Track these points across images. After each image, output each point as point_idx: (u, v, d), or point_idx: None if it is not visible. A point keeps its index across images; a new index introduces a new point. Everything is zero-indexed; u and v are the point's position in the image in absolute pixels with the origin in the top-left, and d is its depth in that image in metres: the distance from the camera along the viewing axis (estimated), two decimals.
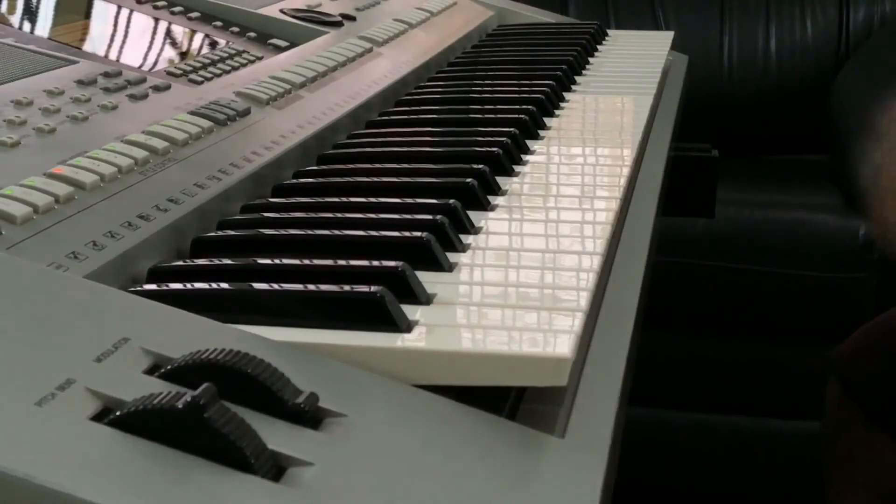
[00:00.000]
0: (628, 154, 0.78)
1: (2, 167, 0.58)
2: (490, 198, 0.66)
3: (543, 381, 0.44)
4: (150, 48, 0.94)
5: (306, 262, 0.53)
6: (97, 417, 0.37)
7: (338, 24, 1.06)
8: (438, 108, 0.90)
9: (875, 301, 1.71)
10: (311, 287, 0.49)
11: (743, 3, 2.16)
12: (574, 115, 0.90)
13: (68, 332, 0.42)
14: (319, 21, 1.06)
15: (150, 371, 0.41)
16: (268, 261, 0.54)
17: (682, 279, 1.76)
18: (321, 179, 0.71)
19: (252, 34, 0.98)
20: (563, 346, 0.44)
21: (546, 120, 0.87)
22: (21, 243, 0.50)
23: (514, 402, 0.47)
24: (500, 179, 0.70)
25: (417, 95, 0.95)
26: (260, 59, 0.91)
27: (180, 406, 0.36)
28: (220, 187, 0.63)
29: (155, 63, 0.88)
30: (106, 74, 0.75)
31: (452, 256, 0.56)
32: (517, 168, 0.74)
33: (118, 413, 0.37)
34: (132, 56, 0.89)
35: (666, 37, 1.31)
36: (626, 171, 0.73)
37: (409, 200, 0.63)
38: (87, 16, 0.96)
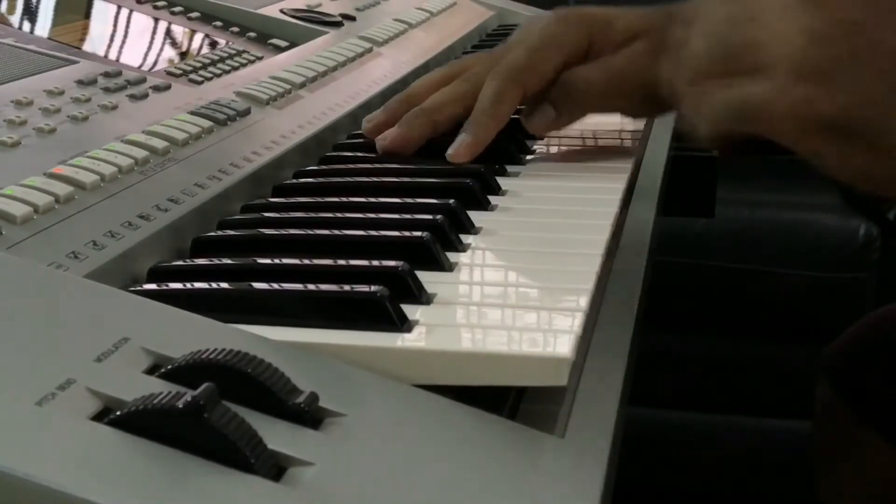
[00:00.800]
0: (629, 154, 0.78)
1: (2, 167, 0.58)
2: (490, 198, 0.66)
3: (543, 381, 0.44)
4: (150, 48, 0.94)
5: (306, 262, 0.53)
6: (97, 417, 0.37)
7: (338, 24, 1.06)
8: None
9: (875, 301, 1.71)
10: (312, 287, 0.49)
11: None
12: None
13: (68, 331, 0.42)
14: (319, 21, 1.06)
15: (151, 371, 0.41)
16: (268, 261, 0.54)
17: (682, 279, 1.76)
18: (321, 179, 0.71)
19: (252, 34, 0.98)
20: (564, 347, 0.44)
21: None
22: (21, 243, 0.50)
23: (514, 402, 0.47)
24: (500, 180, 0.70)
25: None
26: (260, 59, 0.91)
27: (180, 406, 0.36)
28: (220, 187, 0.63)
29: (155, 63, 0.88)
30: (106, 74, 0.75)
31: (452, 256, 0.56)
32: (517, 168, 0.74)
33: (118, 413, 0.37)
34: (132, 56, 0.89)
35: None
36: (626, 170, 0.73)
37: (409, 200, 0.63)
38: (87, 16, 0.96)
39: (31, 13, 0.93)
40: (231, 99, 0.77)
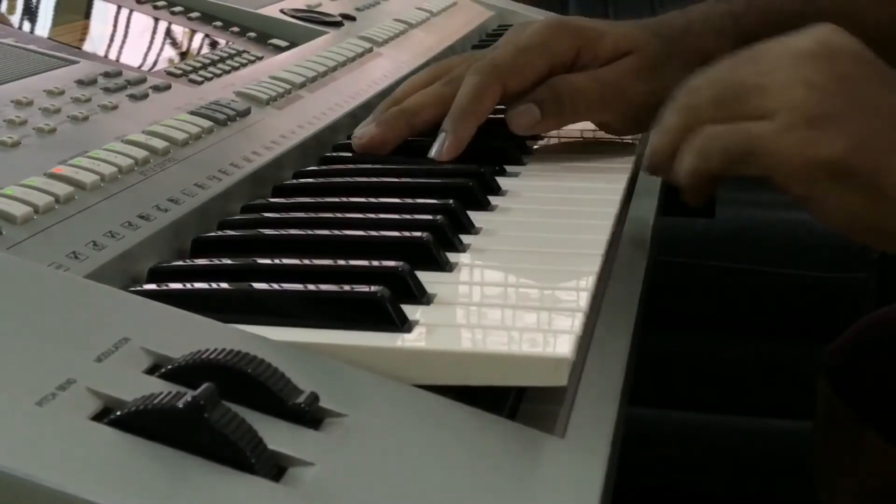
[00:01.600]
0: (629, 154, 0.78)
1: (2, 167, 0.58)
2: (490, 198, 0.67)
3: (543, 381, 0.44)
4: (150, 48, 0.94)
5: (306, 262, 0.53)
6: (98, 417, 0.37)
7: (338, 24, 1.06)
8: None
9: (875, 301, 1.71)
10: (312, 287, 0.49)
11: None
12: None
13: (68, 331, 0.42)
14: (319, 21, 1.06)
15: (151, 371, 0.41)
16: (268, 261, 0.54)
17: (682, 279, 1.76)
18: (321, 179, 0.71)
19: (252, 34, 0.98)
20: (564, 347, 0.44)
21: None
22: (21, 243, 0.50)
23: (514, 402, 0.47)
24: (500, 180, 0.70)
25: None
26: (260, 59, 0.91)
27: (180, 406, 0.36)
28: (220, 187, 0.63)
29: (155, 63, 0.88)
30: (106, 74, 0.75)
31: (452, 256, 0.56)
32: (517, 168, 0.74)
33: (119, 413, 0.37)
34: (132, 56, 0.89)
35: None
36: (626, 170, 0.73)
37: (409, 200, 0.63)
38: (87, 16, 0.96)
39: (31, 13, 0.93)
40: (231, 99, 0.77)
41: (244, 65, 0.88)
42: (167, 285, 0.51)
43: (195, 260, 0.56)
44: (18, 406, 0.37)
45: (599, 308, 0.56)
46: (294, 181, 0.71)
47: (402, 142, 0.75)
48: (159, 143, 0.65)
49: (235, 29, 0.98)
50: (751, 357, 1.80)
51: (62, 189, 0.56)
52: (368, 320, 0.46)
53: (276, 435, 0.38)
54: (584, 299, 0.50)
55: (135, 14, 0.97)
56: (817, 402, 1.14)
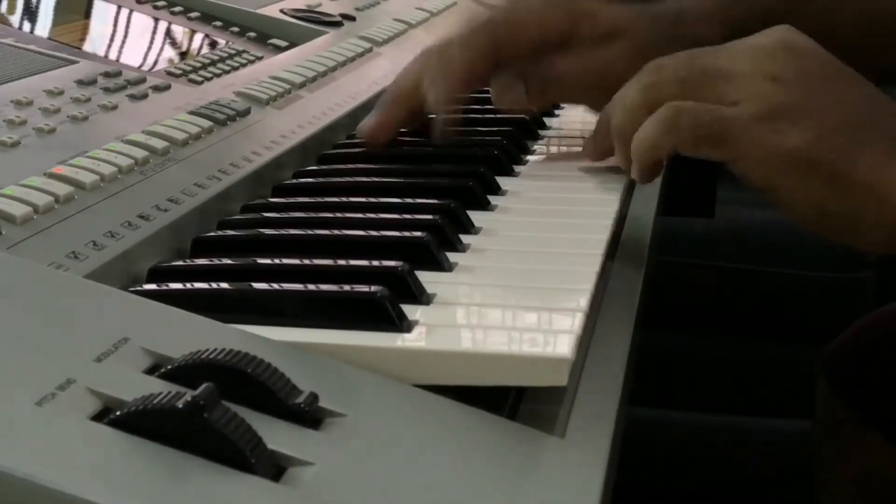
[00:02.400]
0: None
1: (2, 167, 0.58)
2: (490, 198, 0.66)
3: (543, 381, 0.44)
4: (150, 48, 0.94)
5: (306, 262, 0.53)
6: (97, 417, 0.37)
7: (338, 24, 1.06)
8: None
9: (875, 301, 1.71)
10: (311, 287, 0.49)
11: None
12: (574, 115, 0.90)
13: (68, 331, 0.42)
14: (319, 21, 1.06)
15: (150, 371, 0.41)
16: (268, 261, 0.54)
17: (682, 279, 1.76)
18: (321, 179, 0.71)
19: (252, 34, 0.98)
20: (564, 347, 0.44)
21: (546, 120, 0.87)
22: (21, 243, 0.50)
23: (514, 402, 0.47)
24: (500, 179, 0.70)
25: None
26: (260, 59, 0.91)
27: (180, 406, 0.36)
28: (220, 187, 0.63)
29: (155, 63, 0.88)
30: (106, 74, 0.75)
31: (452, 256, 0.56)
32: (517, 168, 0.74)
33: (118, 413, 0.37)
34: (132, 56, 0.89)
35: None
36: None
37: (409, 200, 0.63)
38: (87, 16, 0.96)
39: (31, 13, 0.93)
40: (231, 99, 0.77)
41: (244, 65, 0.88)
42: (167, 285, 0.51)
43: (195, 260, 0.56)
44: (18, 406, 0.37)
45: (599, 308, 0.56)
46: (294, 181, 0.71)
47: (405, 126, 0.75)
48: (159, 143, 0.65)
49: (235, 29, 0.98)
50: (751, 357, 1.80)
51: (62, 189, 0.56)
52: (368, 320, 0.46)
53: (276, 435, 0.38)
54: (584, 299, 0.50)
55: (135, 14, 0.97)
56: (817, 402, 1.14)
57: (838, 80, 0.60)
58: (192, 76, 0.82)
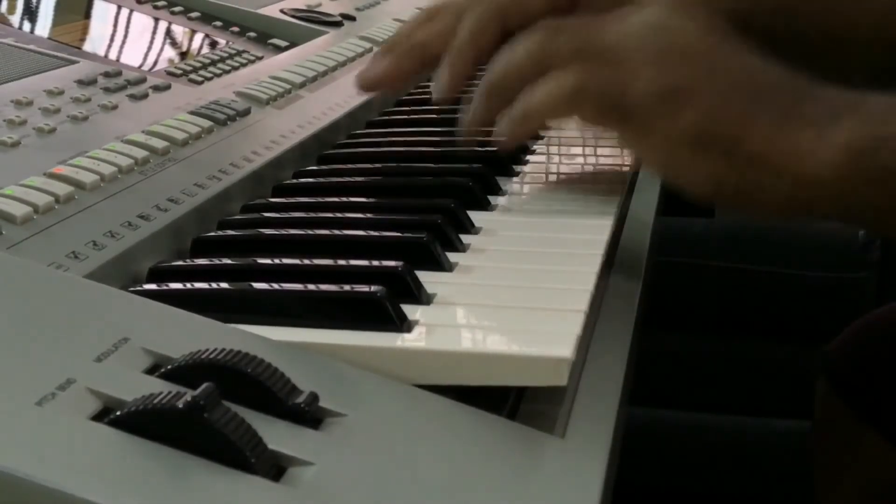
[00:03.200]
0: (629, 154, 0.78)
1: (2, 167, 0.58)
2: (490, 198, 0.66)
3: (543, 381, 0.44)
4: (150, 48, 0.94)
5: (306, 262, 0.53)
6: (97, 417, 0.37)
7: (338, 24, 1.06)
8: (439, 108, 0.90)
9: (875, 301, 1.71)
10: (311, 287, 0.49)
11: None
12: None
13: (68, 331, 0.42)
14: (319, 21, 1.06)
15: (151, 371, 0.41)
16: (268, 261, 0.54)
17: (682, 279, 1.76)
18: (321, 179, 0.71)
19: (252, 34, 0.98)
20: (564, 347, 0.44)
21: None
22: (21, 243, 0.50)
23: (514, 402, 0.47)
24: (500, 179, 0.70)
25: (418, 95, 0.95)
26: (260, 59, 0.91)
27: (180, 406, 0.36)
28: (220, 187, 0.63)
29: (155, 63, 0.88)
30: (106, 74, 0.75)
31: (452, 256, 0.56)
32: (517, 168, 0.74)
33: (118, 413, 0.37)
34: (132, 56, 0.89)
35: None
36: (626, 170, 0.73)
37: (409, 200, 0.63)
38: (87, 16, 0.96)
39: (31, 13, 0.93)
40: (231, 99, 0.77)
41: (244, 65, 0.88)
42: (167, 285, 0.51)
43: (195, 260, 0.56)
44: (18, 406, 0.37)
45: (599, 308, 0.56)
46: (294, 181, 0.71)
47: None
48: (159, 143, 0.65)
49: (235, 29, 0.98)
50: (751, 357, 1.80)
51: (62, 189, 0.56)
52: (368, 320, 0.46)
53: (276, 435, 0.38)
54: (584, 299, 0.50)
55: (135, 14, 0.97)
56: (817, 402, 1.14)
57: (724, 54, 0.59)
58: (193, 76, 0.82)
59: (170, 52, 0.95)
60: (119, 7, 0.98)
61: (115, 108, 0.70)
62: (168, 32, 0.96)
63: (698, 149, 0.57)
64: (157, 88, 0.75)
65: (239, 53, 0.91)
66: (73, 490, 0.34)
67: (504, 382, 0.45)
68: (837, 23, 0.71)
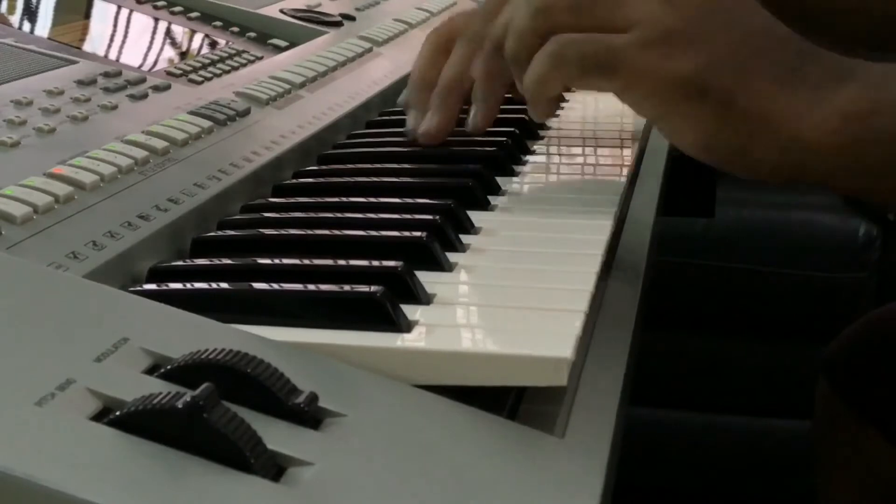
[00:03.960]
0: (628, 154, 0.78)
1: (2, 167, 0.58)
2: (490, 198, 0.66)
3: (543, 381, 0.44)
4: (150, 48, 0.94)
5: (306, 262, 0.53)
6: (97, 417, 0.37)
7: (338, 24, 1.06)
8: None
9: (875, 301, 1.71)
10: (311, 287, 0.49)
11: None
12: (574, 116, 0.90)
13: (68, 331, 0.42)
14: (319, 21, 1.06)
15: (150, 371, 0.41)
16: (268, 261, 0.54)
17: (682, 279, 1.76)
18: (321, 179, 0.71)
19: (252, 34, 0.98)
20: (564, 347, 0.44)
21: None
22: (21, 243, 0.50)
23: (514, 402, 0.47)
24: (500, 179, 0.70)
25: None
26: (260, 59, 0.91)
27: (180, 406, 0.36)
28: (220, 187, 0.63)
29: (155, 63, 0.88)
30: (106, 74, 0.75)
31: (452, 256, 0.56)
32: (517, 168, 0.74)
33: (118, 413, 0.37)
34: (132, 56, 0.89)
35: None
36: (626, 170, 0.73)
37: (409, 200, 0.63)
38: (87, 16, 0.96)
39: (31, 13, 0.93)
40: (231, 99, 0.77)
41: (244, 65, 0.88)
42: (167, 285, 0.51)
43: (195, 260, 0.56)
44: (18, 406, 0.37)
45: (599, 308, 0.56)
46: (294, 181, 0.71)
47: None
48: (159, 143, 0.65)
49: (235, 29, 0.98)
50: (751, 357, 1.80)
51: (62, 189, 0.56)
52: (368, 320, 0.46)
53: (276, 435, 0.38)
54: (584, 299, 0.50)
55: (135, 14, 0.97)
56: (817, 402, 1.14)
57: (731, 7, 0.59)
58: (192, 76, 0.82)
59: (170, 53, 0.95)
60: (119, 7, 0.98)
61: (114, 108, 0.70)
62: (168, 32, 0.96)
63: (692, 100, 0.57)
64: (156, 88, 0.75)
65: (239, 53, 0.91)
66: (72, 490, 0.34)
67: (504, 382, 0.45)
68: None
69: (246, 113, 0.75)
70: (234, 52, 0.91)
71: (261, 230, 0.60)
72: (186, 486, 0.35)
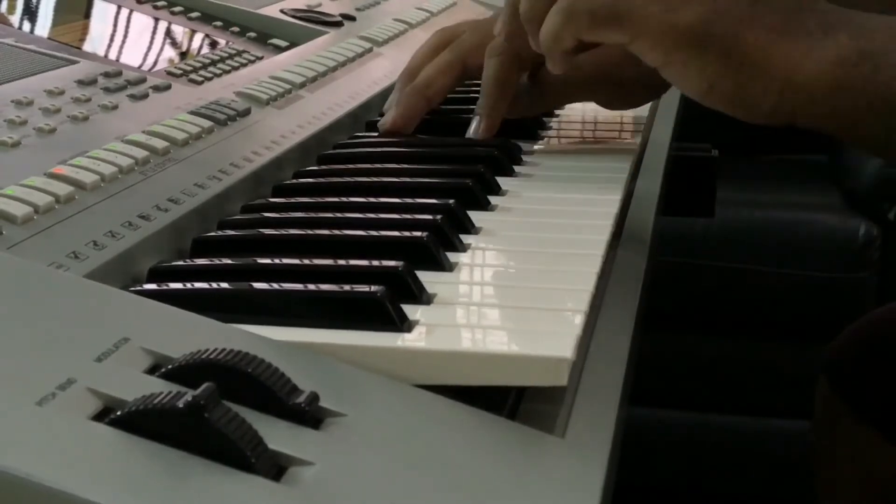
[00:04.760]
0: (628, 155, 0.78)
1: (2, 167, 0.58)
2: (490, 198, 0.67)
3: (543, 381, 0.44)
4: (150, 48, 0.94)
5: (306, 261, 0.53)
6: (98, 417, 0.37)
7: (338, 24, 1.06)
8: (439, 108, 0.90)
9: (875, 301, 1.71)
10: (312, 287, 0.49)
11: None
12: (574, 116, 0.90)
13: (69, 331, 0.42)
14: (319, 21, 1.06)
15: (151, 371, 0.41)
16: (268, 260, 0.54)
17: (682, 279, 1.77)
18: (321, 179, 0.71)
19: (252, 34, 0.98)
20: (564, 347, 0.44)
21: (546, 120, 0.87)
22: (21, 243, 0.50)
23: (514, 402, 0.47)
24: (500, 179, 0.70)
25: None
26: (260, 59, 0.91)
27: (181, 406, 0.36)
28: (220, 187, 0.63)
29: (155, 63, 0.88)
30: (106, 74, 0.75)
31: (452, 256, 0.56)
32: (517, 168, 0.74)
33: (119, 413, 0.37)
34: (132, 56, 0.89)
35: None
36: (626, 170, 0.73)
37: (409, 200, 0.63)
38: (87, 16, 0.96)
39: (31, 13, 0.93)
40: (231, 99, 0.77)
41: (244, 65, 0.88)
42: (167, 285, 0.51)
43: (195, 260, 0.56)
44: (18, 406, 0.37)
45: (599, 308, 0.56)
46: (294, 181, 0.71)
47: (422, 118, 0.79)
48: (159, 143, 0.65)
49: (235, 29, 0.98)
50: (751, 357, 1.80)
51: (62, 189, 0.56)
52: (368, 320, 0.46)
53: (276, 435, 0.38)
54: (584, 299, 0.50)
55: (135, 14, 0.97)
56: (817, 402, 1.14)
57: None
58: (193, 76, 0.82)
59: (170, 52, 0.95)
60: (119, 7, 0.98)
61: (115, 108, 0.70)
62: (168, 32, 0.96)
63: (696, 48, 0.60)
64: (157, 88, 0.75)
65: (239, 53, 0.91)
66: (73, 490, 0.34)
67: (504, 382, 0.45)
68: None
69: (246, 113, 0.75)
70: (234, 52, 0.91)
71: (261, 230, 0.60)
72: (187, 486, 0.35)
